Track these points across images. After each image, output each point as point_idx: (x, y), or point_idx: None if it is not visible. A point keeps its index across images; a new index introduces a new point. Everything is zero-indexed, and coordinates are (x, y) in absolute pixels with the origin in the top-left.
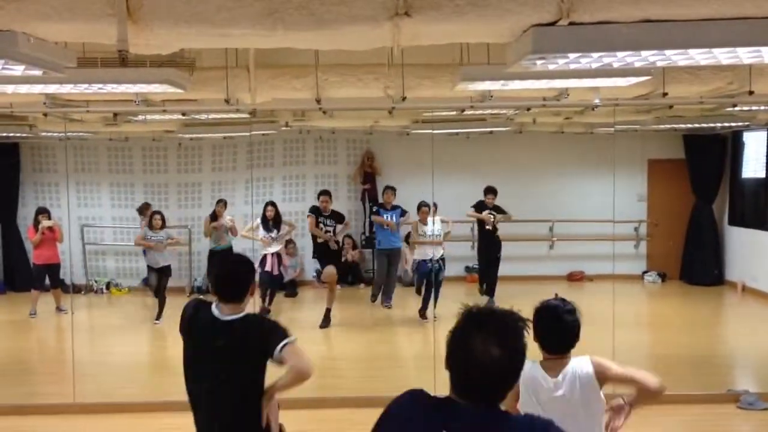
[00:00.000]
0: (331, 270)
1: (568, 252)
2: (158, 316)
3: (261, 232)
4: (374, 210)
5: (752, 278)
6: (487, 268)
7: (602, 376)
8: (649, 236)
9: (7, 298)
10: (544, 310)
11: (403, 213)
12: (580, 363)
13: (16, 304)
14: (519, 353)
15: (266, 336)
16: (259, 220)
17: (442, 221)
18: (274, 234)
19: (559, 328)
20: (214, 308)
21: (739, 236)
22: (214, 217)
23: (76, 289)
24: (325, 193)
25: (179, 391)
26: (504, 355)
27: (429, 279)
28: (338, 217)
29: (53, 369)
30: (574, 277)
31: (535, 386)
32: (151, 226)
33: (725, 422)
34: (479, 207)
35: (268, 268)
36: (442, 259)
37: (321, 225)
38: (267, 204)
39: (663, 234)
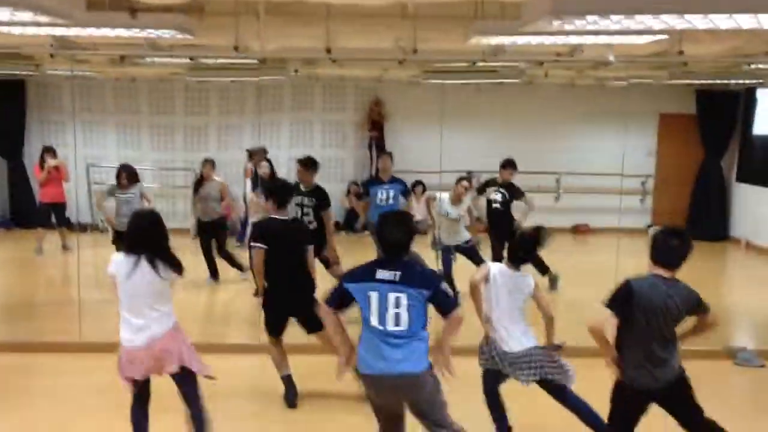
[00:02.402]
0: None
1: (574, 205)
2: None
3: (249, 190)
4: (363, 185)
5: (756, 234)
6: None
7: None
8: (655, 190)
9: (13, 234)
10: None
11: (406, 192)
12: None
13: (22, 241)
14: (411, 231)
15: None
16: (249, 182)
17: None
18: None
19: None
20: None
21: (746, 193)
22: (200, 182)
23: (82, 228)
24: (303, 163)
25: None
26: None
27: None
28: (319, 195)
29: (59, 307)
30: (579, 230)
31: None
32: (118, 185)
33: (721, 378)
34: (486, 185)
35: None
36: (469, 243)
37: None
38: (259, 159)
39: (670, 189)
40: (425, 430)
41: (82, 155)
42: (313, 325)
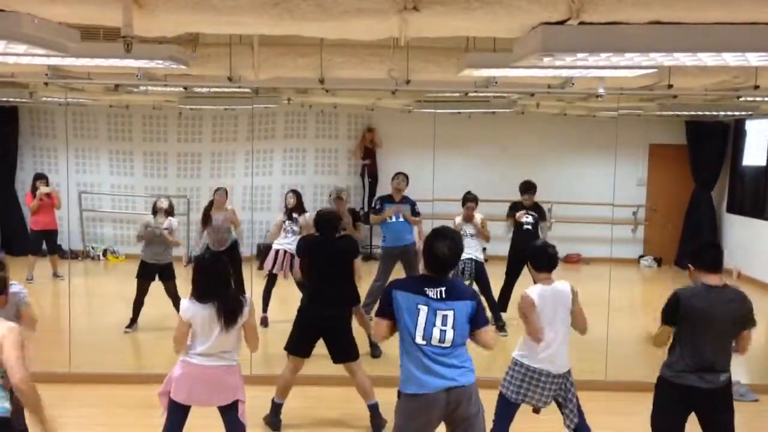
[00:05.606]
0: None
1: (566, 234)
2: (131, 323)
3: (280, 216)
4: (375, 206)
5: (748, 266)
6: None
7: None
8: (647, 221)
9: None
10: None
11: (415, 211)
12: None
13: (13, 270)
14: (460, 250)
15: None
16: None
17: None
18: (296, 226)
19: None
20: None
21: (736, 224)
22: (209, 208)
23: (73, 255)
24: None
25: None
26: (452, 251)
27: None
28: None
29: (49, 336)
30: (570, 260)
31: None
32: (155, 213)
33: None
34: (514, 208)
35: (276, 269)
36: (481, 262)
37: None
38: (288, 191)
39: (661, 219)
40: None
41: (74, 182)
42: (343, 353)
